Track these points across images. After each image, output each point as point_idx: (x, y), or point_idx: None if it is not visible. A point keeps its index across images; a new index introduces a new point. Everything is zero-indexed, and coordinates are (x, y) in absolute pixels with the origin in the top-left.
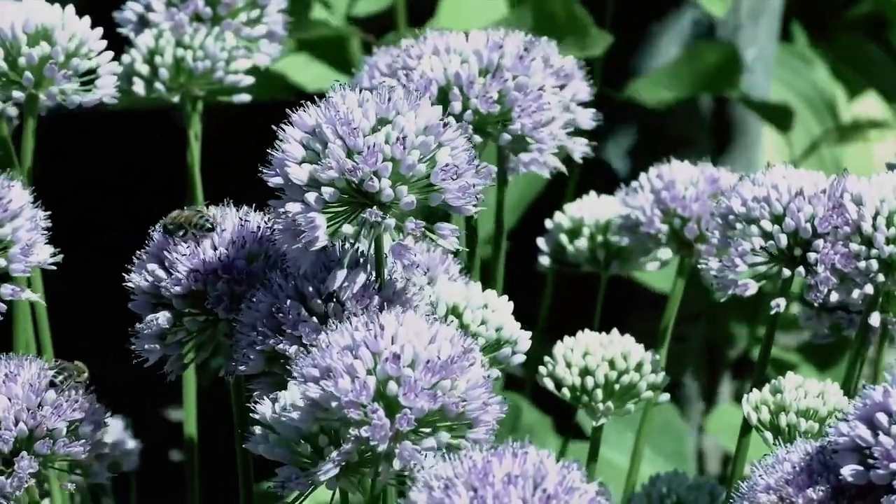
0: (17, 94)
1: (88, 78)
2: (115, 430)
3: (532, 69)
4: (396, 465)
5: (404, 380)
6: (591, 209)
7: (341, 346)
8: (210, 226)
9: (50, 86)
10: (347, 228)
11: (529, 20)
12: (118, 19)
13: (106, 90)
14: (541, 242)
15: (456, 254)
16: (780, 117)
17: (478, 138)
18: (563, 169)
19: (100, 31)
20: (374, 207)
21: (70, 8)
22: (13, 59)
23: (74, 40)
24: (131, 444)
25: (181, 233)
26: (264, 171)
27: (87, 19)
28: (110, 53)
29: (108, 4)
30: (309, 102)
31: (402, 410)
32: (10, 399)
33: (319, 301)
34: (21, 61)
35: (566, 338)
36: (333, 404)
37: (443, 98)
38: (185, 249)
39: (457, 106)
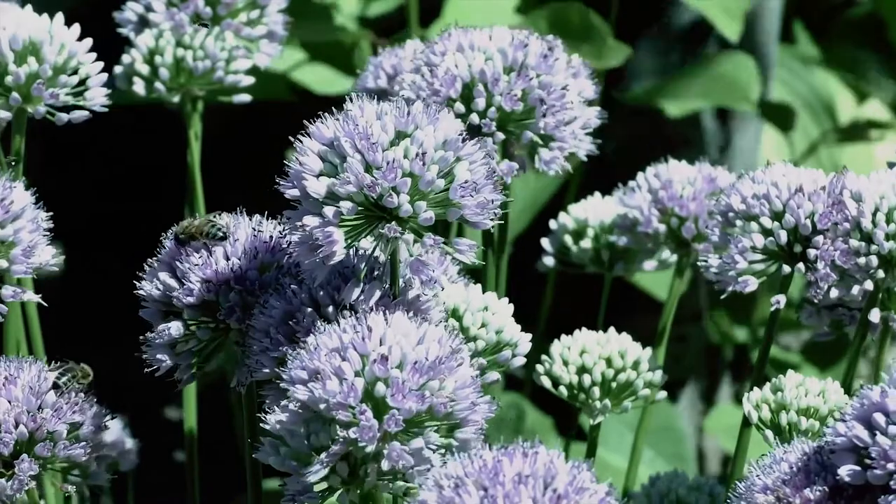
0: (4, 115)
1: (79, 90)
2: (113, 429)
3: (556, 68)
4: (385, 465)
5: (392, 381)
6: (596, 210)
7: (329, 349)
8: (222, 235)
9: (38, 104)
10: (365, 243)
11: (543, 27)
12: (118, 19)
13: (95, 101)
14: (545, 243)
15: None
16: (781, 117)
17: (500, 135)
18: (570, 168)
19: (89, 42)
20: (393, 223)
21: (59, 17)
22: (0, 76)
23: (63, 54)
24: (129, 443)
25: (192, 242)
26: (280, 182)
27: (76, 29)
28: (100, 64)
29: (108, 5)
30: (326, 114)
31: (390, 411)
32: (10, 402)
33: (333, 309)
34: (8, 80)
35: (563, 336)
36: (322, 406)
37: (466, 95)
38: (197, 259)
39: (481, 103)
